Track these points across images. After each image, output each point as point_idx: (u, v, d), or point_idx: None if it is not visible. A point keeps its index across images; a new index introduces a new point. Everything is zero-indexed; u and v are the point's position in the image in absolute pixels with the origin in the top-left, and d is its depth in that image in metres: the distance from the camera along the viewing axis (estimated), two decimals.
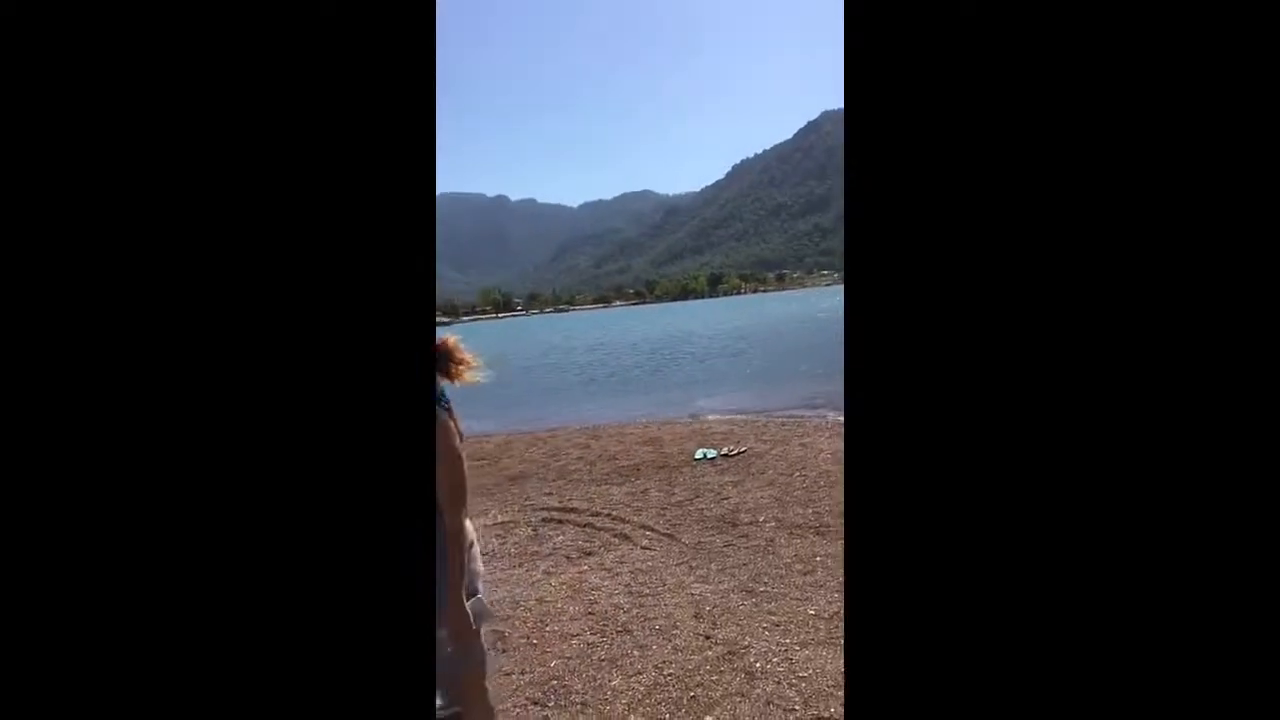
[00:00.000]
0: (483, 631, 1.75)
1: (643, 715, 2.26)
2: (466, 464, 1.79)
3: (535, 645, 2.81)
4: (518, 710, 2.34)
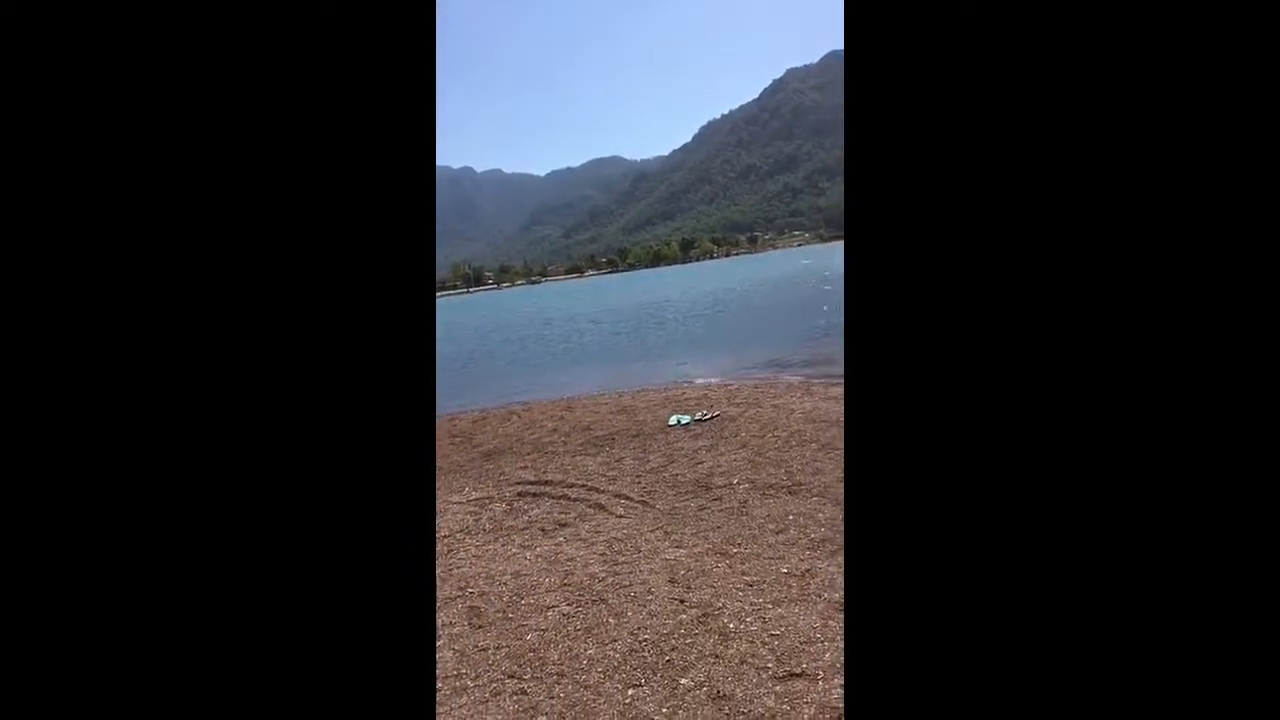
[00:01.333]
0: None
1: (619, 681, 2.29)
2: None
3: (511, 619, 2.82)
4: (494, 684, 2.36)
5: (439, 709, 2.24)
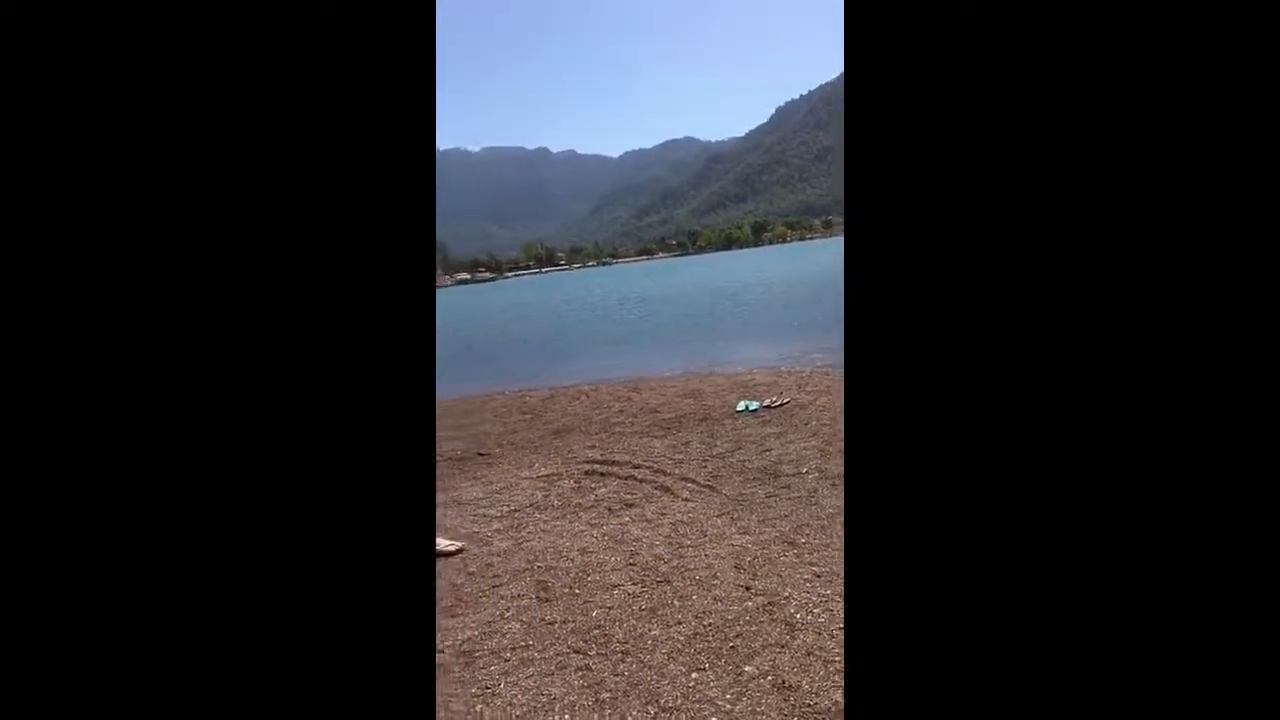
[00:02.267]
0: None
1: (683, 664, 2.29)
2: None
3: (577, 595, 2.86)
4: (559, 658, 2.40)
5: (505, 680, 2.30)
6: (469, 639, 2.60)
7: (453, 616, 2.79)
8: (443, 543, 3.52)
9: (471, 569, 3.25)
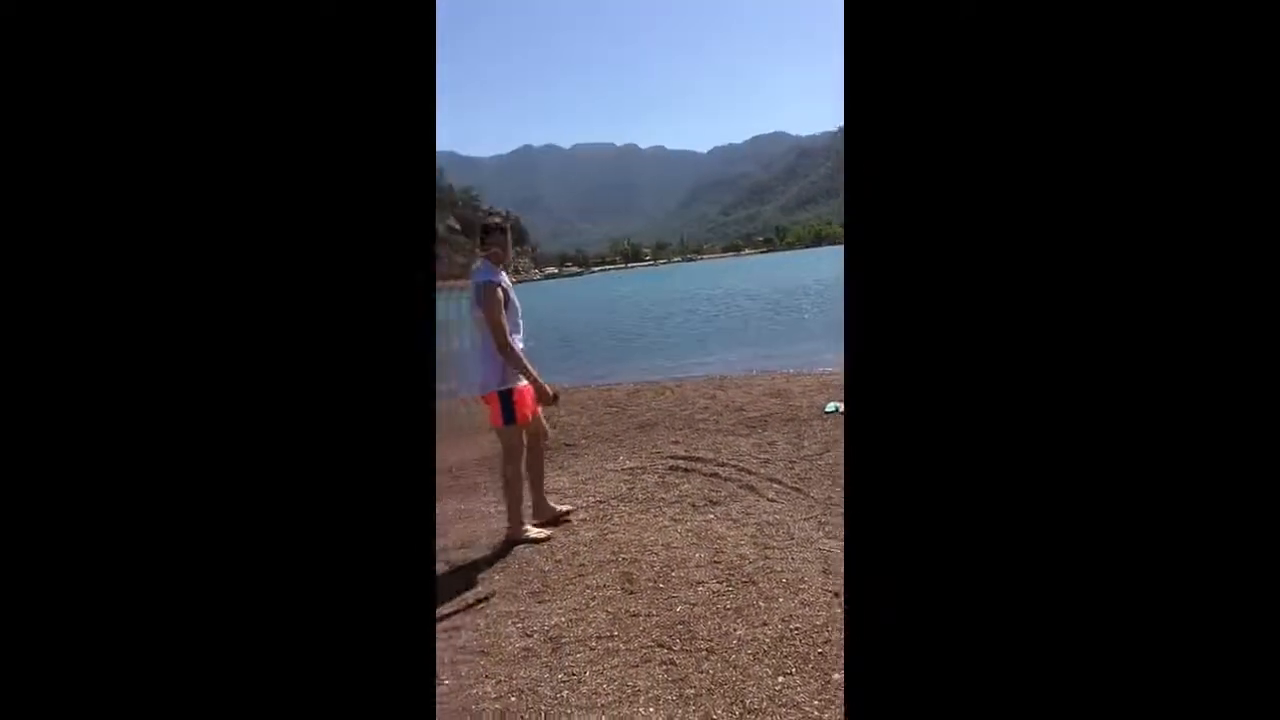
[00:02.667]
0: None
1: (769, 666, 2.26)
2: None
3: (662, 589, 2.87)
4: (644, 650, 2.42)
5: (591, 668, 2.34)
6: (556, 625, 2.65)
7: (540, 602, 2.86)
8: (531, 529, 3.62)
9: (558, 557, 3.32)
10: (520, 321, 3.54)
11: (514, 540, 3.56)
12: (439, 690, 2.28)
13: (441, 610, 2.88)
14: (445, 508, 4.35)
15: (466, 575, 3.25)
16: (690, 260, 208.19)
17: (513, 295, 3.50)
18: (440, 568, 3.38)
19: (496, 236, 3.52)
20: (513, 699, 2.21)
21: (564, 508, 3.85)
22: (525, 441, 3.65)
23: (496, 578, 3.17)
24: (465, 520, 4.06)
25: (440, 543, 3.72)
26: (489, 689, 2.27)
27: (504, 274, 3.49)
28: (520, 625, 2.68)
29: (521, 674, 2.34)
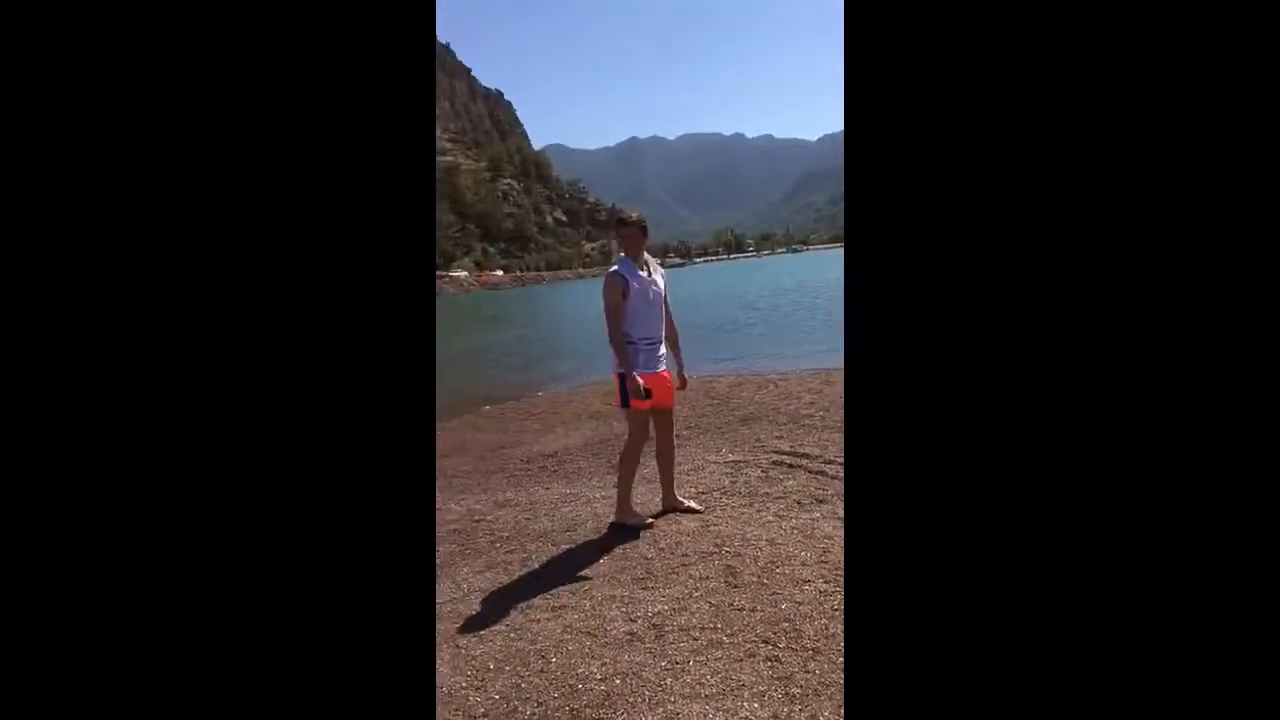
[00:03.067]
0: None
1: None
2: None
3: (766, 585, 2.84)
4: (749, 645, 2.39)
5: (694, 658, 2.34)
6: (659, 613, 2.68)
7: (644, 588, 2.90)
8: (635, 515, 3.67)
9: (661, 544, 3.35)
10: (655, 313, 3.60)
11: (619, 524, 3.62)
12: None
13: (548, 590, 2.98)
14: (550, 491, 4.49)
15: (572, 557, 3.33)
16: (796, 251, 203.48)
17: (645, 288, 3.58)
18: (546, 549, 3.49)
19: (623, 231, 3.64)
20: (617, 681, 2.25)
21: (691, 503, 3.86)
22: (649, 430, 3.69)
23: (601, 561, 3.24)
24: (570, 504, 4.17)
25: (546, 524, 3.84)
26: (594, 669, 2.33)
27: (637, 268, 3.60)
28: (624, 610, 2.73)
29: (626, 658, 2.38)
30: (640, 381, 3.48)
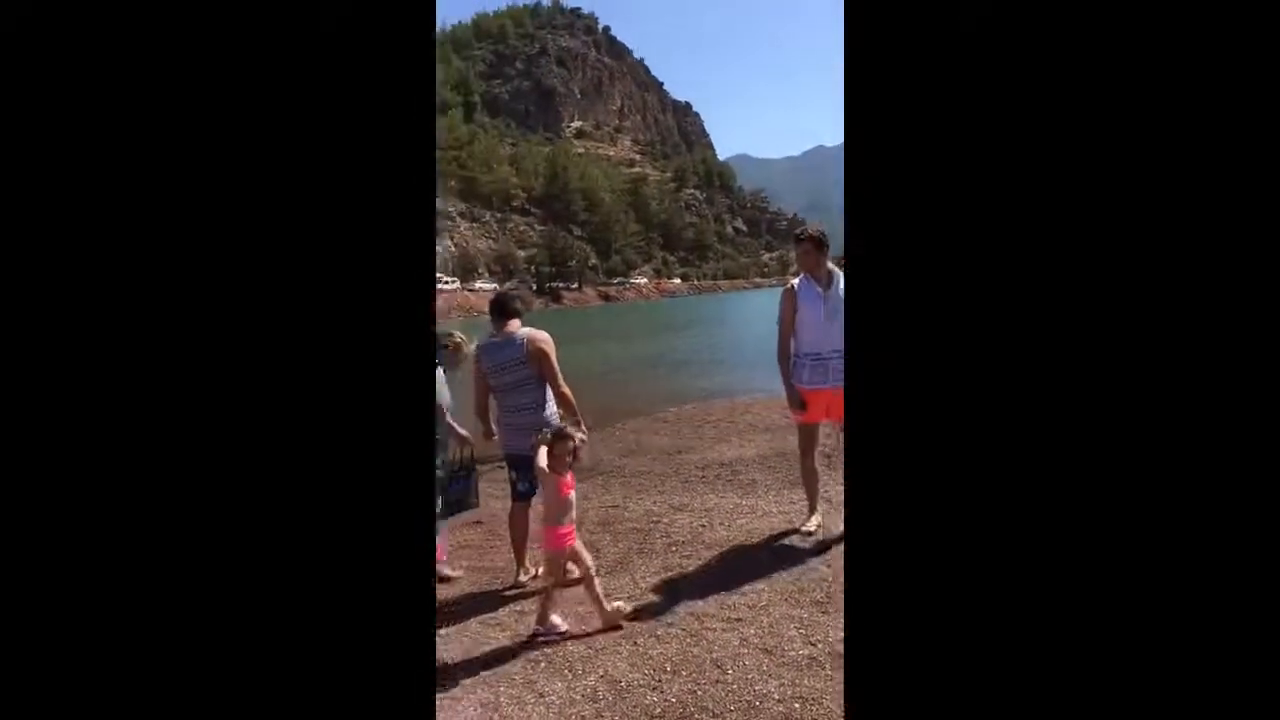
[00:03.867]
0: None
1: None
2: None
3: None
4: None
5: None
6: (841, 640, 2.55)
7: (824, 613, 2.78)
8: (813, 522, 3.55)
9: (839, 567, 3.20)
10: (826, 328, 3.51)
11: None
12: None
13: (723, 600, 2.96)
14: (725, 500, 4.47)
15: (747, 570, 3.29)
16: None
17: (815, 304, 3.53)
18: (722, 558, 3.47)
19: (798, 248, 3.68)
20: (796, 705, 2.18)
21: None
22: (814, 441, 3.65)
23: (777, 577, 3.16)
24: (746, 515, 4.12)
25: (721, 533, 3.83)
26: (772, 688, 2.27)
27: (814, 282, 3.59)
28: (803, 632, 2.64)
29: (806, 682, 2.29)
30: (798, 393, 3.52)
